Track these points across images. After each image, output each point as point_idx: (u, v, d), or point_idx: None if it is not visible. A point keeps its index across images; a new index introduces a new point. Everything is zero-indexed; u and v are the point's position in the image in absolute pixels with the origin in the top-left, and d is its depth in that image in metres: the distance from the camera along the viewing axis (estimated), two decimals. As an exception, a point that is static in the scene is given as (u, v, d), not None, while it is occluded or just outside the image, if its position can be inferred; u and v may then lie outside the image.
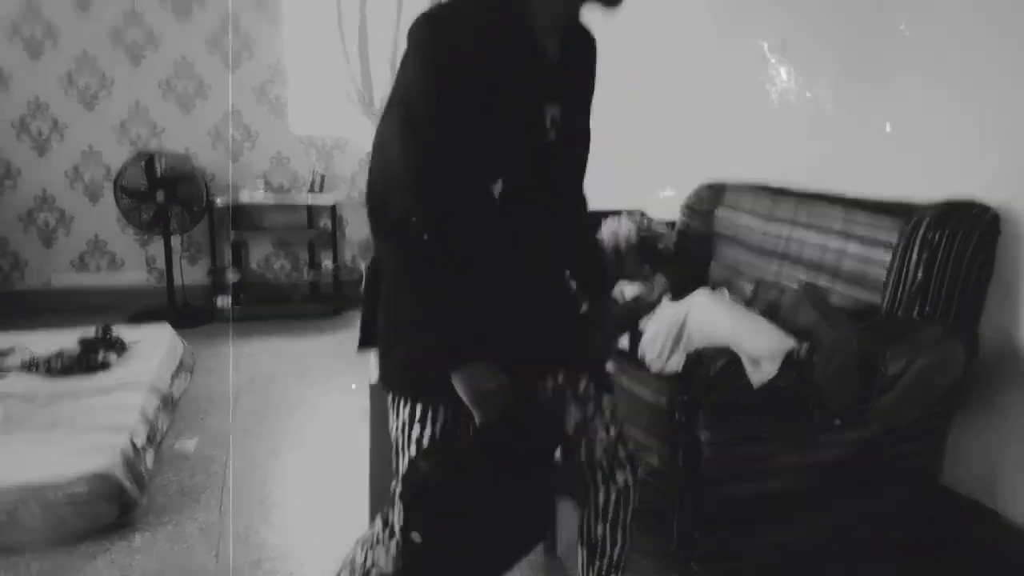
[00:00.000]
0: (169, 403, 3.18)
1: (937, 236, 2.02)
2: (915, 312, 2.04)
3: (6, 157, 4.72)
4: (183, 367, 3.62)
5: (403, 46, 1.29)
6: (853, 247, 2.34)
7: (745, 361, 1.86)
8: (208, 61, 4.87)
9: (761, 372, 1.78)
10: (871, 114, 2.56)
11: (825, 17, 2.77)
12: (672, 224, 3.29)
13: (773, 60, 3.03)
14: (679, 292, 2.66)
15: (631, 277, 2.94)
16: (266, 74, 4.96)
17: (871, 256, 2.26)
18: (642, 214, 3.23)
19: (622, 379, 2.26)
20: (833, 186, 2.65)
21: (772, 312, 2.16)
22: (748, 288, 2.78)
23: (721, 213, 3.08)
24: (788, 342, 1.79)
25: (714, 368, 1.86)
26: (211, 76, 4.89)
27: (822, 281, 2.45)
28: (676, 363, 2.22)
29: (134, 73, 4.79)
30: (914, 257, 2.06)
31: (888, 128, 2.50)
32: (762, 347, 1.82)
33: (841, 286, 2.37)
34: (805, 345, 1.74)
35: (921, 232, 2.06)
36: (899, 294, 2.09)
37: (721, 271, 2.96)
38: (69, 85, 4.72)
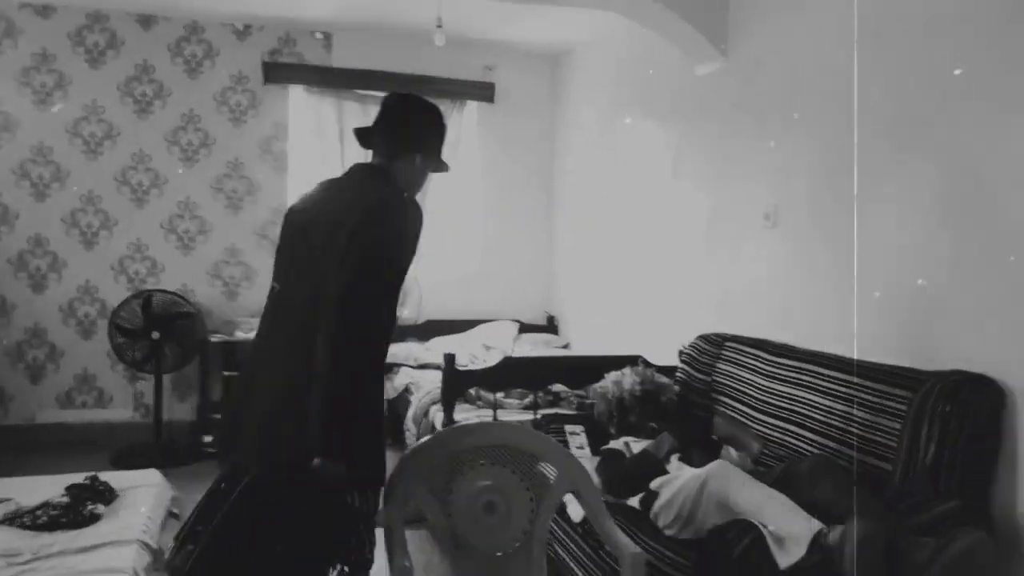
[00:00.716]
0: (159, 558, 3.06)
1: (947, 408, 2.07)
2: (929, 486, 2.06)
3: (2, 292, 4.72)
4: (171, 516, 3.50)
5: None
6: (860, 413, 2.39)
7: (769, 539, 1.85)
8: (211, 203, 4.99)
9: (788, 554, 1.78)
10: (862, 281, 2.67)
11: (815, 185, 2.94)
12: (672, 370, 3.34)
13: (766, 225, 3.18)
14: (686, 449, 2.68)
15: (636, 432, 2.95)
16: (268, 215, 5.08)
17: (879, 424, 2.31)
18: (644, 362, 3.28)
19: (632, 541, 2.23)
20: (832, 346, 2.73)
21: (787, 480, 2.17)
22: (754, 446, 2.80)
23: (722, 367, 3.14)
24: (814, 524, 1.80)
25: (739, 547, 1.85)
26: (213, 216, 4.99)
27: (830, 445, 2.48)
28: (693, 531, 2.21)
29: (136, 213, 4.88)
30: (925, 429, 2.10)
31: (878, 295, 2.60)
32: (787, 527, 1.82)
33: (849, 450, 2.40)
34: (835, 531, 1.74)
35: (931, 404, 2.11)
36: (912, 466, 2.11)
37: (725, 427, 2.98)
38: (72, 224, 4.79)
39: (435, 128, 2.09)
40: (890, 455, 2.24)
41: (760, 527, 1.87)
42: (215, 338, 4.73)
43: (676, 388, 3.14)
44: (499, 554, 1.97)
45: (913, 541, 1.67)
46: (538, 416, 3.28)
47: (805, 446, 2.57)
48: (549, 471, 2.02)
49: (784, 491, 2.05)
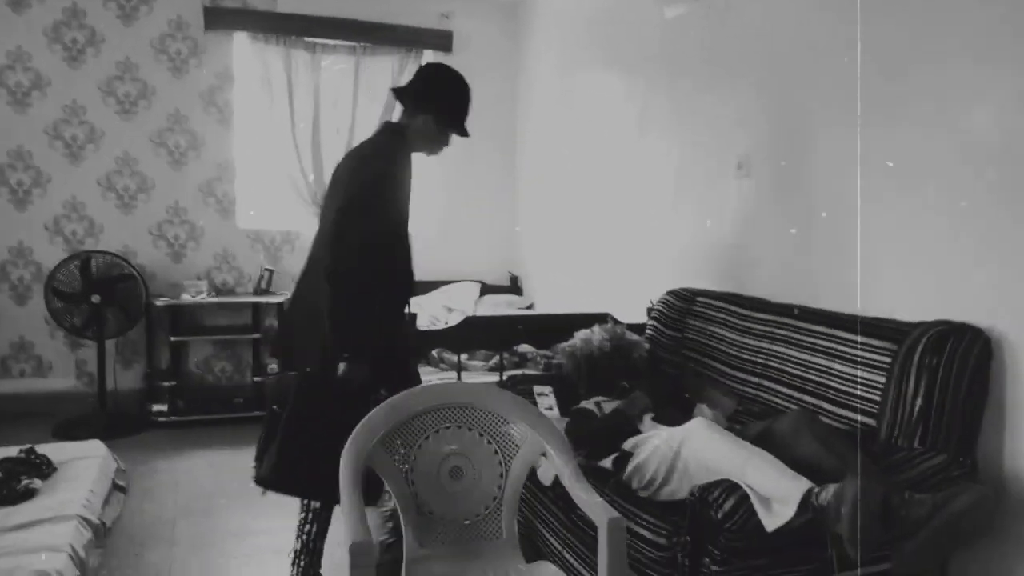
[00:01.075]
0: (101, 535, 2.87)
1: (935, 361, 1.98)
2: (916, 441, 1.98)
3: (-75, 256, 4.40)
4: (116, 489, 3.30)
5: (358, 141, 2.33)
6: (840, 367, 2.29)
7: (754, 500, 1.75)
8: (152, 158, 4.70)
9: (774, 515, 1.67)
10: (845, 232, 2.56)
11: (792, 132, 2.81)
12: (642, 328, 3.22)
13: (738, 175, 3.05)
14: (659, 408, 2.57)
15: (607, 391, 2.83)
16: (213, 171, 4.81)
17: (861, 377, 2.21)
18: (612, 320, 3.16)
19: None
20: (806, 299, 2.63)
21: (767, 438, 2.07)
22: (729, 403, 2.70)
23: (693, 323, 3.03)
24: (803, 483, 1.69)
25: (722, 510, 1.74)
26: (155, 172, 4.70)
27: (807, 400, 2.39)
28: (668, 492, 2.10)
29: (71, 169, 4.57)
30: (911, 382, 2.01)
31: (865, 246, 2.50)
32: (773, 486, 1.71)
33: (829, 406, 2.30)
34: (826, 490, 1.63)
35: (917, 356, 2.02)
36: (898, 421, 2.02)
37: (697, 385, 2.87)
38: (0, 183, 4.47)
39: (450, 92, 2.37)
40: (873, 409, 2.14)
41: (744, 487, 1.76)
42: (160, 302, 4.47)
43: (647, 345, 3.03)
44: (467, 522, 1.84)
45: (909, 498, 1.57)
46: (504, 378, 3.14)
47: (782, 402, 2.48)
48: (518, 432, 1.89)
49: (765, 449, 1.94)
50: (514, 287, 5.42)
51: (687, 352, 3.02)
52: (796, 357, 2.47)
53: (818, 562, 1.76)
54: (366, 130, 4.91)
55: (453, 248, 5.27)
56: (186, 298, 4.52)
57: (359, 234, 2.13)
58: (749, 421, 2.54)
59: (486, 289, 5.27)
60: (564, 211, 4.66)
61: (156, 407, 4.50)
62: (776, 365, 2.55)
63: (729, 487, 1.79)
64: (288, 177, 4.83)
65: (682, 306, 3.11)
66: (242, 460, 3.90)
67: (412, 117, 2.35)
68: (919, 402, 1.98)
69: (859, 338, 2.26)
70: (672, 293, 3.18)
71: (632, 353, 2.94)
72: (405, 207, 2.28)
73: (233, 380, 4.88)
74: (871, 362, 2.19)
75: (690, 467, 1.99)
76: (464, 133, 2.40)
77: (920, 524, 1.56)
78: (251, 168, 4.91)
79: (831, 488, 1.62)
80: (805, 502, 1.66)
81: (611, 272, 4.14)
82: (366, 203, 2.16)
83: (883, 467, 1.90)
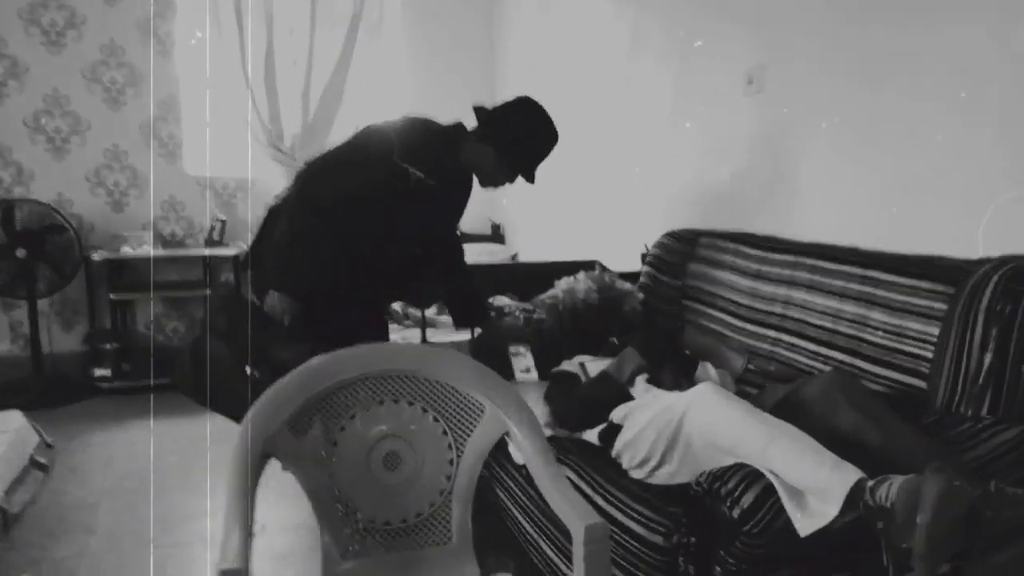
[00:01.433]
0: (5, 524, 2.46)
1: (1008, 307, 1.54)
2: (984, 408, 1.55)
3: None
4: (35, 467, 2.89)
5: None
6: (879, 316, 1.86)
7: (782, 492, 1.32)
8: (85, 95, 4.18)
9: (811, 515, 1.25)
10: (881, 155, 2.11)
11: (819, 34, 2.33)
12: (636, 276, 2.78)
13: (748, 91, 2.58)
14: (654, 368, 2.14)
15: (594, 349, 2.40)
16: (156, 110, 4.29)
17: (907, 328, 1.78)
18: (601, 267, 2.72)
19: (592, 490, 1.71)
20: (832, 237, 2.19)
21: (793, 407, 1.64)
22: (738, 361, 2.28)
23: (695, 268, 2.59)
24: (848, 472, 1.26)
25: (739, 506, 1.32)
26: (89, 112, 4.19)
27: (836, 357, 1.96)
28: (667, 474, 1.68)
29: (-6, 108, 4.06)
30: (977, 334, 1.57)
31: (899, 174, 2.05)
32: (807, 475, 1.29)
33: (865, 364, 1.88)
34: (884, 485, 1.20)
35: (985, 301, 1.57)
36: (959, 382, 1.59)
37: (700, 340, 2.44)
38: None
39: (527, 135, 2.17)
40: (923, 368, 1.72)
41: (768, 475, 1.34)
42: (98, 255, 3.99)
43: (640, 296, 2.59)
44: (405, 524, 1.41)
45: (998, 492, 1.14)
46: (475, 335, 2.69)
47: (804, 360, 2.05)
48: (475, 406, 1.45)
49: (789, 422, 1.52)
50: (496, 236, 4.96)
51: (688, 302, 2.58)
52: (822, 305, 2.03)
53: (865, 573, 1.34)
54: (326, 62, 4.40)
55: (428, 194, 4.78)
56: (127, 251, 4.04)
57: (334, 191, 2.07)
58: (766, 384, 2.12)
59: (464, 238, 4.78)
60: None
61: (99, 372, 4.06)
62: (796, 315, 2.12)
63: (748, 475, 1.36)
64: (240, 116, 4.32)
65: (682, 249, 2.66)
66: (189, 430, 3.48)
67: (479, 140, 2.19)
68: (988, 358, 1.55)
69: (904, 280, 1.82)
70: (670, 235, 2.73)
71: (623, 305, 2.51)
72: (425, 216, 2.19)
73: (186, 341, 4.43)
74: (920, 309, 1.76)
75: (694, 445, 1.56)
76: (528, 178, 2.21)
77: (1010, 532, 1.13)
78: (198, 107, 4.39)
79: (895, 483, 1.19)
80: (853, 497, 1.23)
81: (601, 216, 3.68)
82: (369, 170, 2.09)
83: (944, 444, 1.48)
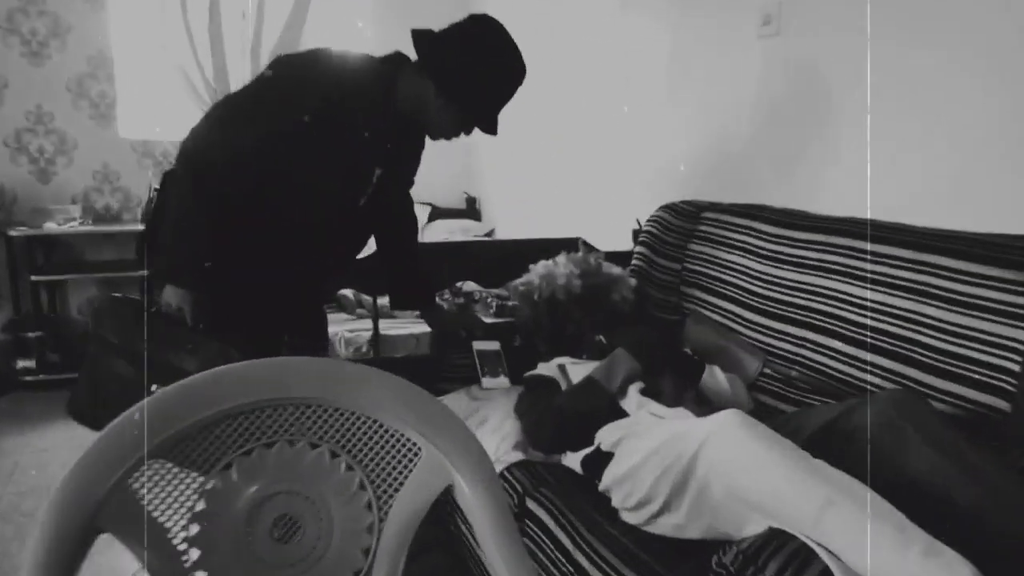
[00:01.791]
0: None
1: None
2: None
3: None
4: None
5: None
6: (939, 313, 1.45)
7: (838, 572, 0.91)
8: (0, 48, 3.67)
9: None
10: (938, 115, 1.69)
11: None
12: (626, 257, 2.36)
13: (763, 33, 2.15)
14: (652, 374, 1.73)
15: (576, 349, 1.99)
16: (84, 66, 3.79)
17: (977, 330, 1.37)
18: (585, 246, 2.30)
19: (571, 542, 1.32)
20: (875, 212, 1.77)
21: (838, 438, 1.24)
22: (752, 365, 1.87)
23: (698, 248, 2.17)
24: (954, 566, 0.85)
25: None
26: (7, 67, 3.68)
27: (881, 364, 1.55)
28: (671, 525, 1.28)
29: None
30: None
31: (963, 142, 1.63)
32: (890, 565, 0.88)
33: (918, 372, 1.47)
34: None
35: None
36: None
37: (705, 336, 2.03)
38: None
39: (486, 74, 1.61)
40: (1006, 383, 1.31)
41: (824, 555, 0.93)
42: (17, 232, 3.52)
43: (633, 282, 2.17)
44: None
45: None
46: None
47: (838, 365, 1.64)
48: (406, 447, 1.03)
49: (836, 460, 1.11)
50: (471, 210, 4.53)
51: (689, 290, 2.17)
52: (860, 299, 1.62)
53: None
54: (278, 14, 3.91)
55: (396, 164, 4.32)
56: (51, 227, 3.57)
57: (233, 144, 1.56)
58: (779, 391, 1.72)
59: (437, 213, 4.37)
60: (532, 118, 3.72)
61: (22, 363, 3.61)
62: (826, 309, 1.70)
63: (796, 555, 0.95)
64: (182, 73, 3.83)
65: (683, 225, 2.24)
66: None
67: (418, 74, 1.63)
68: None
69: (971, 266, 1.41)
70: (668, 208, 2.30)
71: (611, 293, 2.08)
72: (354, 173, 1.67)
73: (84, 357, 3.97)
74: (994, 304, 1.35)
75: (712, 493, 1.15)
76: (487, 128, 1.65)
77: None
78: (134, 62, 3.90)
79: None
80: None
81: (589, 190, 3.25)
82: (282, 116, 1.56)
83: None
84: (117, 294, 1.81)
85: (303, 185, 1.62)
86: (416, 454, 1.02)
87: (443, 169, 4.39)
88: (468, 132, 1.68)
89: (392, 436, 1.03)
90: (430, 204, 4.37)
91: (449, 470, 1.01)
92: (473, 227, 4.28)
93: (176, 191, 1.60)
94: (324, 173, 1.63)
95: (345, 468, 1.02)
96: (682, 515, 1.24)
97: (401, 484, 1.02)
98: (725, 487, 1.12)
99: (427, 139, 1.79)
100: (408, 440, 1.02)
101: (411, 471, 1.02)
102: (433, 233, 4.09)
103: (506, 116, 1.71)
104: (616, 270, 2.15)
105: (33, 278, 3.58)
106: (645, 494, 1.32)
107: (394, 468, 1.02)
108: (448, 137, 1.69)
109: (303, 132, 1.56)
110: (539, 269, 2.12)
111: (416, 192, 4.32)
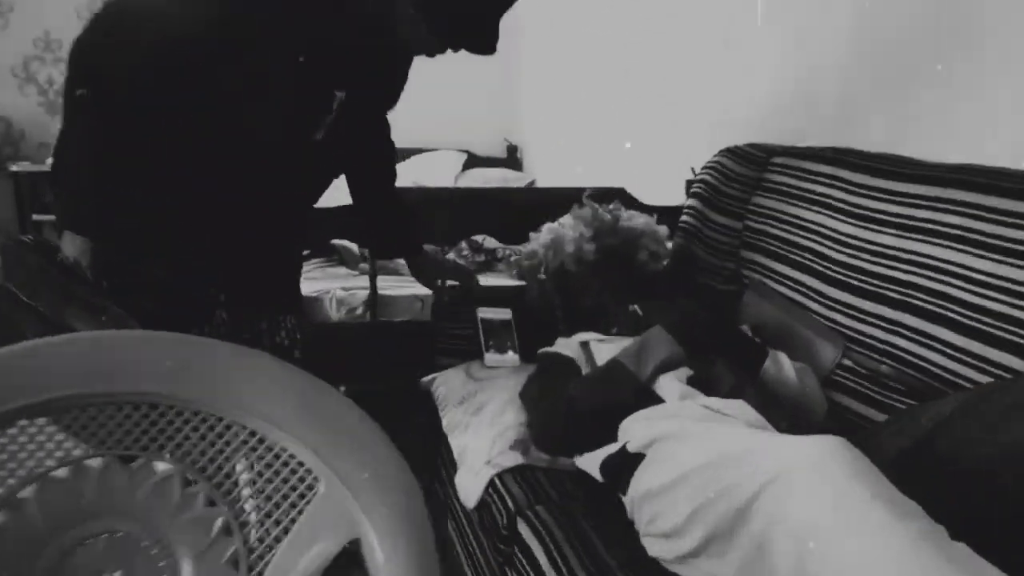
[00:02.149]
0: None
1: None
2: None
3: None
4: None
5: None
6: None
7: None
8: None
9: None
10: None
11: None
12: (676, 213, 1.95)
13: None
14: (698, 357, 1.35)
15: (600, 322, 1.60)
16: (29, 48, 3.52)
17: None
18: (622, 197, 1.90)
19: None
20: (1002, 161, 1.33)
21: (971, 478, 0.84)
22: (829, 354, 1.46)
23: (765, 203, 1.75)
24: None
25: None
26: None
27: (1010, 363, 1.14)
28: (707, 570, 0.91)
29: None
30: None
31: None
32: None
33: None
34: None
35: None
36: None
37: (770, 314, 1.62)
38: None
39: None
40: None
41: None
42: (19, 167, 3.29)
43: (664, 230, 1.74)
44: None
45: None
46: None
47: (945, 362, 1.23)
48: (297, 476, 0.68)
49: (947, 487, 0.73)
50: (512, 159, 4.14)
51: (752, 255, 1.76)
52: (983, 274, 1.20)
53: None
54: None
55: (430, 106, 3.92)
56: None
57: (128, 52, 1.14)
58: (880, 400, 1.32)
59: (474, 161, 4.01)
60: (577, 62, 3.29)
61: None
62: (933, 286, 1.28)
63: None
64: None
65: (746, 174, 1.81)
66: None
67: None
68: None
69: None
70: (731, 152, 1.87)
71: (636, 252, 1.68)
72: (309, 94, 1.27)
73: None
74: None
75: (775, 558, 0.77)
76: (459, 45, 1.22)
77: None
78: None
79: None
80: None
81: (639, 139, 2.85)
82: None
83: None
84: (26, 237, 1.46)
85: (220, 113, 1.23)
86: (311, 487, 0.68)
87: (481, 113, 4.02)
88: (455, 47, 1.25)
89: (277, 457, 0.68)
90: (467, 151, 4.01)
91: (356, 514, 0.67)
92: (513, 176, 3.90)
93: (68, 112, 1.24)
94: (249, 99, 1.23)
95: (204, 503, 0.68)
96: (724, 565, 0.88)
97: (286, 530, 0.68)
98: (797, 557, 0.74)
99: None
100: (301, 465, 0.68)
101: (301, 512, 0.68)
102: (468, 182, 3.74)
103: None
104: (640, 220, 1.73)
105: (35, 217, 3.35)
106: (678, 523, 0.95)
107: (276, 506, 0.68)
108: (432, 53, 1.29)
109: (213, 53, 1.17)
110: (542, 236, 1.72)
111: (451, 137, 3.85)
